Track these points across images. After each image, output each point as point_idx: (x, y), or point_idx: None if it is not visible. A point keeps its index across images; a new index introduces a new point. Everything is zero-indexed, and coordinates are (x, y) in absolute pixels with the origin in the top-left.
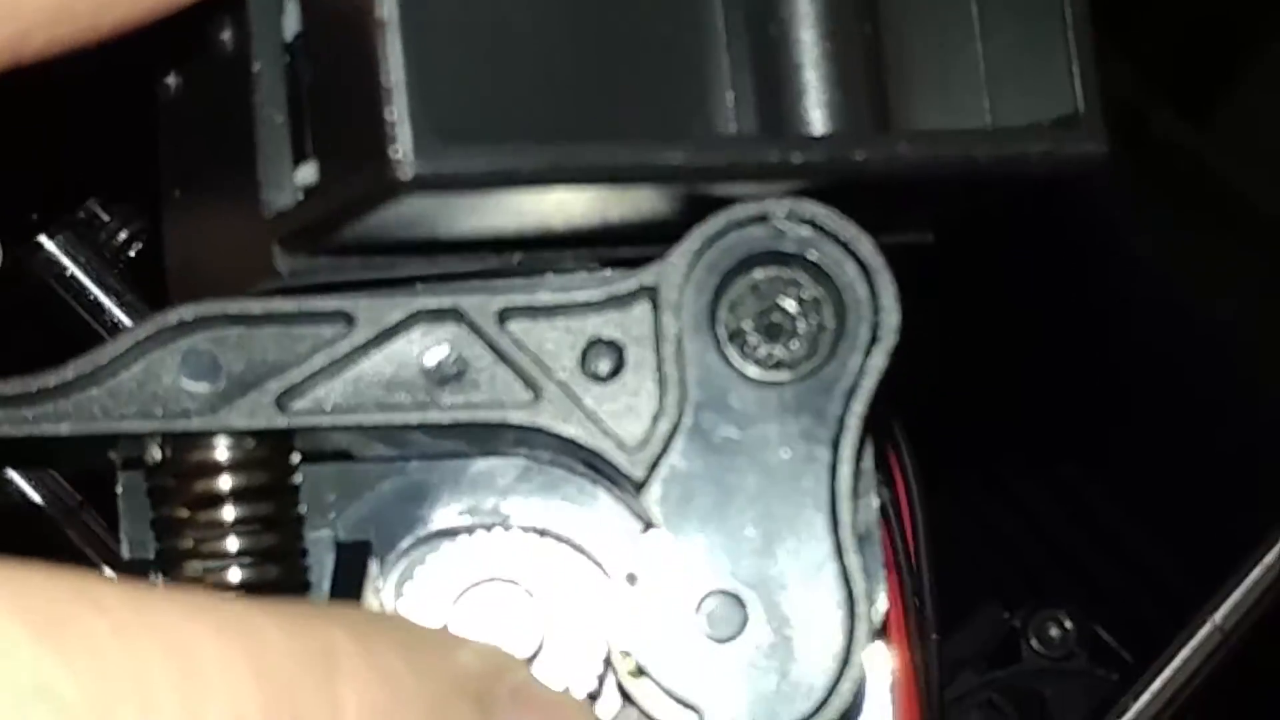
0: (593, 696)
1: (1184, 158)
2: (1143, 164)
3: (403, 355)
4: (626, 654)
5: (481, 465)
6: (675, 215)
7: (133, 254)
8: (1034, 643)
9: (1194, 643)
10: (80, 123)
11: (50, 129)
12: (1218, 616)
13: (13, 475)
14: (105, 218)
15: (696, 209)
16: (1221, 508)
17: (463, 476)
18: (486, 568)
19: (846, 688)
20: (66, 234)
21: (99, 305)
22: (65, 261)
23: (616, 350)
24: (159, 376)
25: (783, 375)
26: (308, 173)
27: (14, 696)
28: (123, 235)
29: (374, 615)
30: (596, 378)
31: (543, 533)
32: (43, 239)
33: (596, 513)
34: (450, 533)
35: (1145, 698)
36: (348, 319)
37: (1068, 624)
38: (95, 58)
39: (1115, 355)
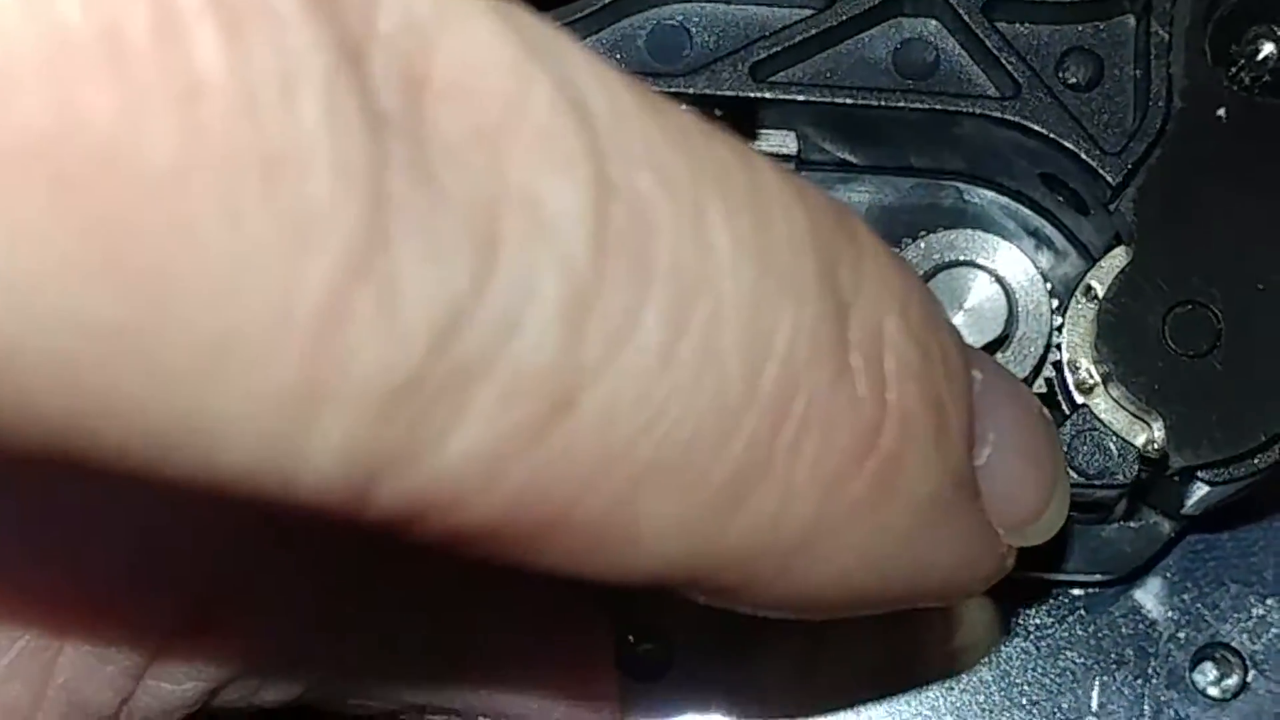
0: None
1: None
2: None
3: (878, 42)
4: (1080, 365)
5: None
6: None
7: None
8: None
9: None
10: None
11: None
12: None
13: None
14: None
15: None
16: None
17: (914, 192)
18: (954, 254)
19: None
20: None
21: None
22: None
23: (1095, 60)
24: (632, 41)
25: (1270, 98)
26: None
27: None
28: None
29: None
30: (1074, 86)
31: (996, 245)
32: None
33: (1049, 241)
34: (911, 237)
35: None
36: None
37: None
38: None
39: None
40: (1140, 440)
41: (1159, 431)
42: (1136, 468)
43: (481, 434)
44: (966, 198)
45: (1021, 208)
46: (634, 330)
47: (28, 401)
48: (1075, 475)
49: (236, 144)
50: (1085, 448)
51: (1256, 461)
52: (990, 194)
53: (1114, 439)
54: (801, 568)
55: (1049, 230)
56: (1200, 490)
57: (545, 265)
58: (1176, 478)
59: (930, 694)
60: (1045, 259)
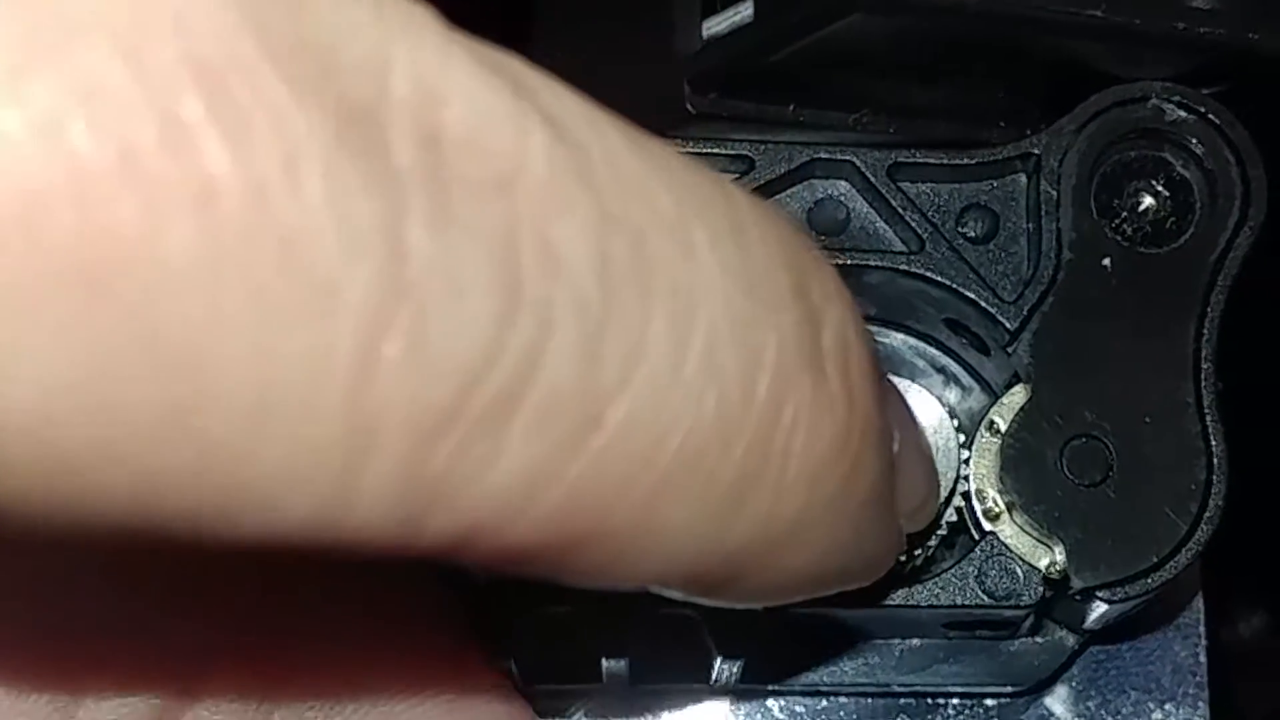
0: (951, 528)
1: None
2: None
3: (794, 202)
4: (986, 495)
5: None
6: (1037, 94)
7: None
8: None
9: None
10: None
11: None
12: None
13: None
14: None
15: (1057, 89)
16: None
17: None
18: None
19: (1205, 532)
20: None
21: None
22: None
23: (992, 215)
24: None
25: (1151, 248)
26: (717, 21)
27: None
28: None
29: None
30: (972, 239)
31: (907, 387)
32: None
33: (955, 378)
34: None
35: None
36: (749, 163)
37: None
38: None
39: None
40: (1043, 563)
41: (1060, 555)
42: (1040, 589)
43: (520, 458)
44: (878, 339)
45: (929, 348)
46: (644, 349)
47: (93, 490)
48: (985, 597)
49: (251, 230)
50: (994, 571)
51: (1149, 581)
52: (900, 336)
53: (1019, 563)
54: (780, 559)
55: (955, 368)
56: (1099, 608)
57: (561, 298)
58: (1078, 597)
59: None
60: (953, 394)
